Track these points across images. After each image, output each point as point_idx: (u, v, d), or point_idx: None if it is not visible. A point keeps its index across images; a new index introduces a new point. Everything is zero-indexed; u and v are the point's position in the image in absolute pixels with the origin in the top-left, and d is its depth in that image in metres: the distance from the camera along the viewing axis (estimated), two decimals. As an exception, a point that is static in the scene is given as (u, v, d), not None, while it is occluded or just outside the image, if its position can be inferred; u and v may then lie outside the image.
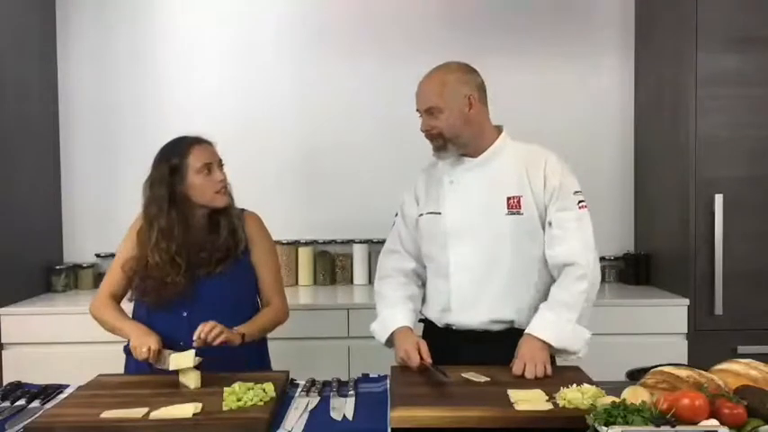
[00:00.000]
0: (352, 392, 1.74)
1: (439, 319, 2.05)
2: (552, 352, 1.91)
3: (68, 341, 2.80)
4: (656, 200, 3.27)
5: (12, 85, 3.02)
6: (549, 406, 1.55)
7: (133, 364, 2.04)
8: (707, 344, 2.88)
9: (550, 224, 1.97)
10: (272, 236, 2.21)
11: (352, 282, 3.44)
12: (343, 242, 3.45)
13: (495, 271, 1.97)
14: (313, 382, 1.83)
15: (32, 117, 3.21)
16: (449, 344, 1.99)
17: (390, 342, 2.03)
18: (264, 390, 1.65)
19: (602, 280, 3.41)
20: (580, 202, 1.99)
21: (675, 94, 3.03)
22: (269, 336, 2.23)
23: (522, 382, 1.75)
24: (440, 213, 2.04)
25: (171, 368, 1.80)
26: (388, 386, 1.80)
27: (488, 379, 1.76)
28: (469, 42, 3.34)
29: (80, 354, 2.71)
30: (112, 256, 2.22)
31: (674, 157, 3.03)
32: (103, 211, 3.35)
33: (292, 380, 1.89)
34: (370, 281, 2.37)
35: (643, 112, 3.42)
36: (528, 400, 1.58)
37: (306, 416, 1.61)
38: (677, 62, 3.00)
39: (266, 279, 2.14)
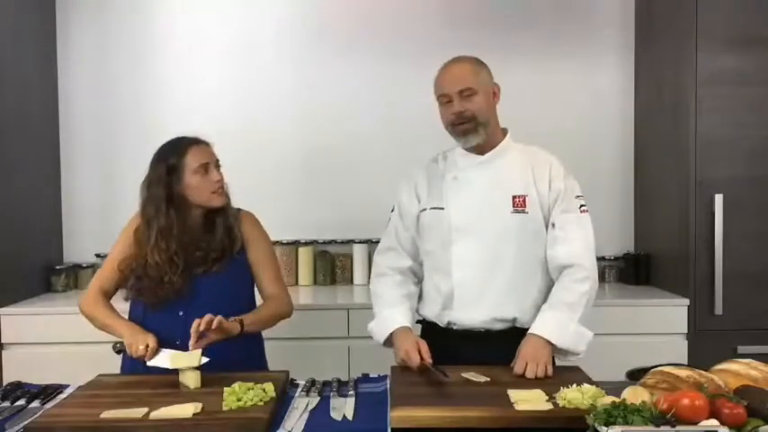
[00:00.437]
0: (352, 392, 1.74)
1: (439, 317, 2.05)
2: (554, 352, 1.91)
3: (68, 341, 2.79)
4: (656, 200, 3.27)
5: (12, 85, 3.02)
6: (549, 406, 1.55)
7: (128, 362, 2.05)
8: (707, 344, 2.88)
9: (553, 225, 1.98)
10: (269, 234, 2.21)
11: (352, 282, 3.44)
12: (343, 242, 3.45)
13: (498, 269, 1.97)
14: (313, 382, 1.83)
15: (32, 117, 3.21)
16: (448, 343, 1.99)
17: (389, 342, 2.03)
18: (264, 390, 1.65)
19: (602, 280, 3.45)
20: (582, 206, 2.01)
21: (675, 94, 3.03)
22: (269, 336, 2.23)
23: (523, 382, 1.75)
24: (443, 209, 2.03)
25: (172, 367, 1.80)
26: (388, 386, 1.80)
27: (488, 379, 1.76)
28: (469, 42, 3.30)
29: (80, 354, 2.71)
30: (111, 255, 2.21)
31: (674, 157, 3.03)
32: (103, 211, 3.35)
33: (292, 380, 1.89)
34: (370, 282, 2.38)
35: (643, 112, 3.42)
36: (528, 400, 1.58)
37: (306, 416, 1.61)
38: (677, 62, 3.00)
39: (265, 275, 2.14)
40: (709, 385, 1.43)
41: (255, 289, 2.22)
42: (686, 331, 2.93)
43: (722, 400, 1.35)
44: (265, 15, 3.45)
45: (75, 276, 3.32)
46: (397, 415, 1.52)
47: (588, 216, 2.01)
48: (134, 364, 1.99)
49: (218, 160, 2.11)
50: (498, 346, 1.94)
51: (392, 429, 1.51)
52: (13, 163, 3.02)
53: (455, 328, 2.02)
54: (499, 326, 1.99)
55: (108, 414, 1.54)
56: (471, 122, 1.97)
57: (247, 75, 3.45)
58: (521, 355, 1.85)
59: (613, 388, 1.54)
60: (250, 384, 1.66)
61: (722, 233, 2.86)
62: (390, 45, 3.45)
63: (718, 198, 2.86)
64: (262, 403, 1.60)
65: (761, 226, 2.89)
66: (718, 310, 2.88)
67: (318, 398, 1.72)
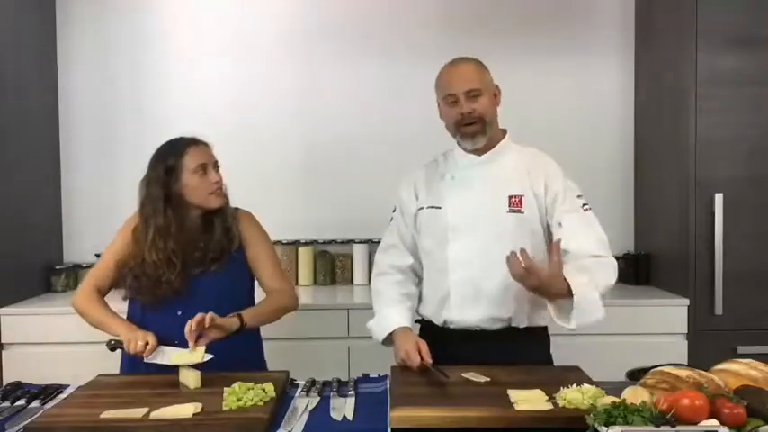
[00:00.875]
0: (352, 392, 1.74)
1: (436, 315, 2.05)
2: (556, 307, 1.82)
3: (68, 341, 2.79)
4: (656, 200, 3.27)
5: (12, 85, 3.02)
6: (549, 406, 1.55)
7: (128, 362, 2.05)
8: (707, 344, 2.88)
9: (560, 224, 1.96)
10: (267, 232, 2.21)
11: (352, 282, 3.44)
12: (343, 242, 3.45)
13: (494, 268, 1.97)
14: (313, 382, 1.83)
15: (32, 116, 3.21)
16: (446, 343, 1.99)
17: (387, 341, 2.03)
18: (264, 390, 1.65)
19: (602, 280, 3.44)
20: (584, 205, 2.01)
21: (675, 94, 3.03)
22: (269, 336, 2.23)
23: (523, 382, 1.74)
24: (440, 208, 2.04)
25: (174, 363, 1.80)
26: (388, 386, 1.80)
27: (488, 379, 1.76)
28: (469, 43, 3.31)
29: (80, 354, 2.70)
30: (112, 255, 2.21)
31: (674, 157, 3.03)
32: (103, 210, 3.35)
33: (292, 380, 1.89)
34: (370, 281, 2.38)
35: (643, 112, 3.42)
36: (528, 400, 1.58)
37: (306, 416, 1.61)
38: (677, 62, 3.00)
39: (265, 272, 2.14)
40: (709, 385, 1.43)
41: (255, 288, 2.22)
42: (686, 331, 2.93)
43: (722, 400, 1.35)
44: (265, 16, 3.45)
45: (75, 276, 3.32)
46: (397, 415, 1.52)
47: (592, 213, 2.01)
48: (134, 364, 1.99)
49: (216, 161, 2.11)
50: (495, 345, 1.94)
51: (392, 429, 1.51)
52: (13, 163, 3.02)
53: (452, 327, 2.02)
54: (495, 325, 1.99)
55: (108, 414, 1.54)
56: (479, 123, 1.97)
57: (248, 75, 3.45)
58: (537, 268, 1.73)
59: (613, 388, 1.54)
60: (250, 384, 1.66)
61: (722, 233, 2.86)
62: (391, 45, 3.45)
63: (718, 198, 2.86)
64: (262, 403, 1.60)
65: (761, 226, 2.89)
66: (718, 310, 2.88)
67: (318, 398, 1.72)
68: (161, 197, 2.02)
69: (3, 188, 2.93)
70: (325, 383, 1.83)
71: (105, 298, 2.11)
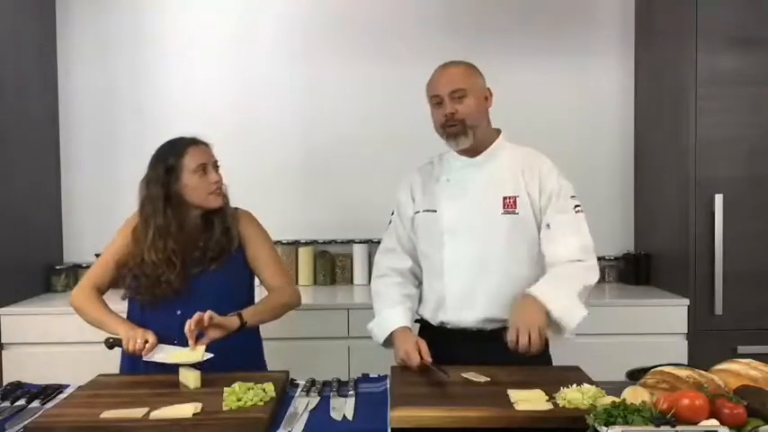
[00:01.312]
0: (352, 392, 1.74)
1: (433, 317, 2.06)
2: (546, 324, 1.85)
3: (68, 341, 2.80)
4: (656, 200, 3.27)
5: (11, 84, 3.02)
6: (549, 406, 1.55)
7: (127, 362, 2.05)
8: (707, 344, 2.88)
9: (548, 226, 1.98)
10: (268, 232, 2.20)
11: (352, 282, 3.44)
12: (343, 242, 3.45)
13: (489, 270, 1.98)
14: (313, 382, 1.83)
15: (32, 116, 3.21)
16: (443, 343, 1.99)
17: (388, 342, 2.03)
18: (264, 390, 1.65)
19: (602, 280, 3.45)
20: (576, 206, 2.01)
21: (675, 94, 3.03)
22: (269, 336, 2.23)
23: (523, 382, 1.74)
24: (435, 211, 2.05)
25: (174, 362, 1.80)
26: (388, 386, 1.80)
27: (488, 379, 1.76)
28: (469, 43, 3.35)
29: (80, 354, 2.71)
30: (112, 255, 2.21)
31: (674, 157, 3.03)
32: (103, 210, 3.34)
33: (292, 380, 1.89)
34: (370, 281, 2.38)
35: (643, 112, 3.42)
36: (528, 400, 1.58)
37: (306, 416, 1.60)
38: (677, 62, 3.00)
39: (266, 270, 2.14)
40: (709, 385, 1.43)
41: (255, 287, 2.22)
42: (686, 331, 2.93)
43: (722, 400, 1.35)
44: (265, 15, 3.45)
45: (75, 276, 3.32)
46: (397, 415, 1.52)
47: (584, 216, 2.01)
48: (134, 364, 1.99)
49: (216, 161, 2.11)
50: (492, 345, 1.93)
51: (392, 429, 1.51)
52: (13, 163, 3.02)
53: (448, 327, 2.03)
54: (491, 326, 1.99)
55: (108, 414, 1.54)
56: (460, 125, 1.97)
57: (248, 75, 3.45)
58: (512, 321, 1.80)
59: (613, 388, 1.55)
60: (250, 384, 1.66)
61: (722, 233, 2.86)
62: (391, 46, 3.45)
63: (718, 198, 2.86)
64: (262, 403, 1.60)
65: (761, 226, 2.89)
66: (718, 310, 2.88)
67: (318, 398, 1.72)
68: (161, 197, 2.02)
69: (3, 188, 2.93)
70: (325, 383, 1.83)
71: (104, 298, 2.11)
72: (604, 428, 1.26)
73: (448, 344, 1.99)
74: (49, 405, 1.69)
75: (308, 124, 3.46)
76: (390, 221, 2.19)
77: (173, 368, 1.84)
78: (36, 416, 1.60)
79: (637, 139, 3.48)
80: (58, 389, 1.82)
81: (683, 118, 2.94)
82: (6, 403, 1.71)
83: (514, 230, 1.98)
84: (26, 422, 1.55)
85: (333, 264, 3.45)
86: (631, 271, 3.35)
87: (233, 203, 2.16)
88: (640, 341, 2.87)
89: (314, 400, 1.71)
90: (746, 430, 1.31)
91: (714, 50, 2.86)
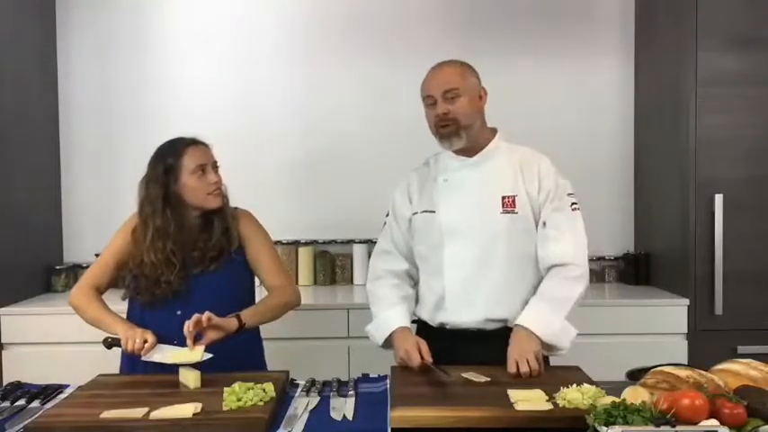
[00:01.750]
0: (352, 392, 1.74)
1: (432, 318, 2.06)
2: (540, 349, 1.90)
3: (68, 341, 2.79)
4: (656, 200, 3.27)
5: (12, 84, 3.02)
6: (549, 406, 1.55)
7: (127, 362, 2.05)
8: (707, 344, 2.88)
9: (545, 224, 1.99)
10: (268, 232, 2.20)
11: (352, 282, 3.44)
12: (343, 242, 3.45)
13: (489, 269, 1.98)
14: (313, 382, 1.83)
15: (32, 116, 3.21)
16: (442, 344, 1.98)
17: (388, 343, 2.03)
18: (264, 390, 1.65)
19: (602, 280, 3.46)
20: (573, 204, 2.01)
21: (675, 94, 3.03)
22: (269, 336, 2.23)
23: (523, 382, 1.75)
24: (434, 212, 2.04)
25: (173, 362, 1.80)
26: (388, 386, 1.80)
27: (488, 379, 1.76)
28: (469, 43, 3.34)
29: (80, 354, 2.71)
30: (112, 255, 2.21)
31: (674, 156, 3.03)
32: (103, 211, 3.35)
33: (292, 380, 1.89)
34: (367, 284, 2.40)
35: (643, 112, 3.42)
36: (528, 400, 1.58)
37: (306, 416, 1.60)
38: (677, 62, 3.00)
39: (265, 270, 2.14)
40: (709, 385, 1.43)
41: (255, 287, 2.22)
42: (686, 331, 2.93)
43: (722, 400, 1.35)
44: (266, 15, 3.45)
45: (75, 276, 3.32)
46: (397, 415, 1.52)
47: (580, 214, 2.02)
48: (133, 364, 1.99)
49: (215, 161, 2.11)
50: (492, 345, 1.94)
51: (392, 429, 1.51)
52: (13, 163, 3.02)
53: (448, 327, 2.03)
54: (491, 326, 1.99)
55: (108, 414, 1.54)
56: (453, 125, 1.97)
57: (248, 75, 3.45)
58: (509, 354, 1.85)
59: (613, 388, 1.55)
60: (250, 384, 1.66)
61: (722, 233, 2.86)
62: (391, 46, 3.45)
63: (718, 198, 2.86)
64: (262, 403, 1.60)
65: (761, 226, 2.89)
66: (718, 310, 2.88)
67: (318, 398, 1.72)
68: (160, 197, 2.02)
69: (3, 188, 2.93)
70: (325, 383, 1.83)
71: (104, 298, 2.11)
72: (604, 428, 1.26)
73: (448, 344, 1.99)
74: (49, 405, 1.69)
75: (308, 124, 3.46)
76: (385, 223, 2.18)
77: (172, 368, 1.84)
78: (36, 416, 1.60)
79: (637, 139, 3.48)
80: (58, 389, 1.82)
81: (682, 118, 2.94)
82: (6, 403, 1.71)
83: (514, 230, 1.98)
84: (26, 422, 1.55)
85: (333, 264, 3.45)
86: (631, 271, 3.35)
87: (233, 203, 2.16)
88: (640, 341, 2.87)
89: (314, 400, 1.71)
90: (746, 430, 1.31)
91: (714, 50, 2.86)
